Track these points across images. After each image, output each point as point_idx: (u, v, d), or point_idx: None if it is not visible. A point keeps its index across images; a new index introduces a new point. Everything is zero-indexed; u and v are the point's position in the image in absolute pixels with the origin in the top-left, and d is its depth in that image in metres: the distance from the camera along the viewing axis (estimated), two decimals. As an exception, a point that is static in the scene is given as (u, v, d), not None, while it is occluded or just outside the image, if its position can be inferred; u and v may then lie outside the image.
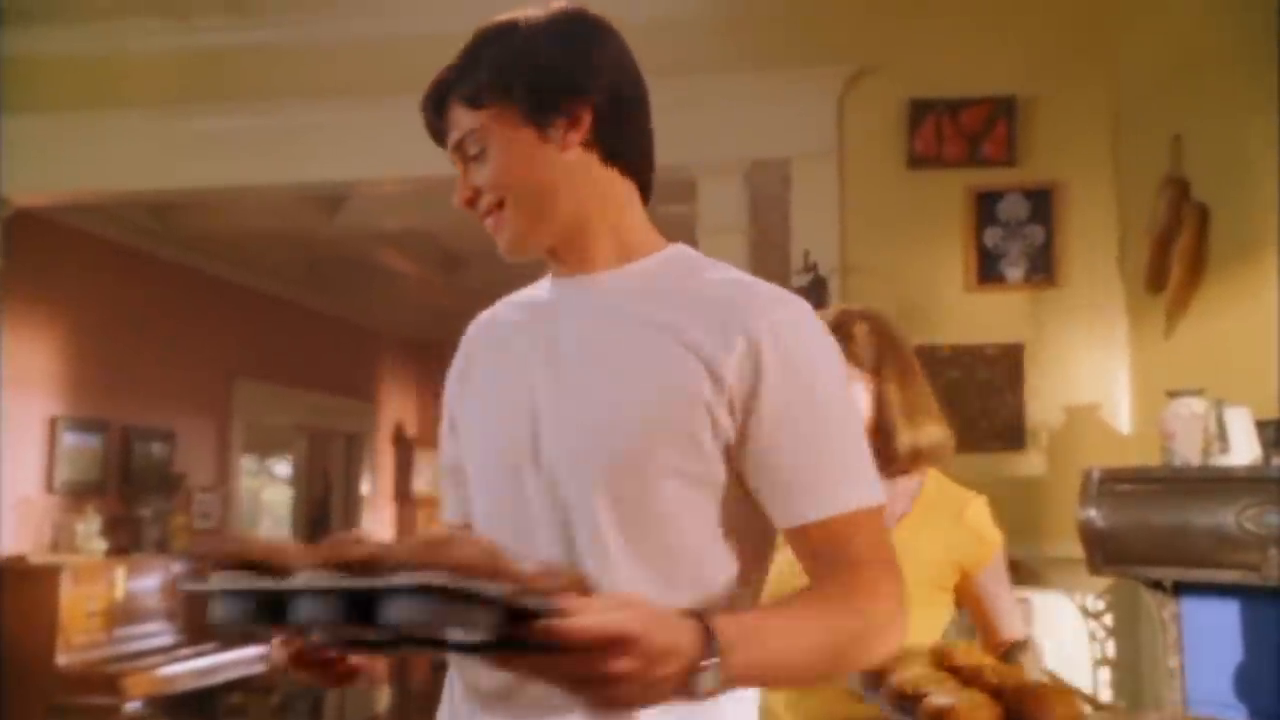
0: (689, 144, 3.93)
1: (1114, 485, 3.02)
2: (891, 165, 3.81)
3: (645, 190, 1.44)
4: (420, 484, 9.42)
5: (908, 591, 1.28)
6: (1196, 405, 3.02)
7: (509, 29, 1.41)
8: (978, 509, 2.19)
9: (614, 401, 1.33)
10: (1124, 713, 3.19)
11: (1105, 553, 2.97)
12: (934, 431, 2.17)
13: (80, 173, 4.37)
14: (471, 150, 1.39)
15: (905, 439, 2.11)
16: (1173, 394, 3.05)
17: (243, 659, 6.63)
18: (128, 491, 6.46)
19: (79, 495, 6.12)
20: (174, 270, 6.95)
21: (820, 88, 3.87)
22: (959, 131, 3.71)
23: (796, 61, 3.91)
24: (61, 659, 5.59)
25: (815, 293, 3.64)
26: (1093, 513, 3.00)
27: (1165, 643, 3.13)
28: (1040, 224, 3.67)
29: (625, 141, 1.40)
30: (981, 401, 3.67)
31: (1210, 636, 3.07)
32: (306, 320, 8.35)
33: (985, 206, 3.70)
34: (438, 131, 1.45)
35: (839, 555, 1.27)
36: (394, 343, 9.61)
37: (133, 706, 5.77)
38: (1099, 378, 3.60)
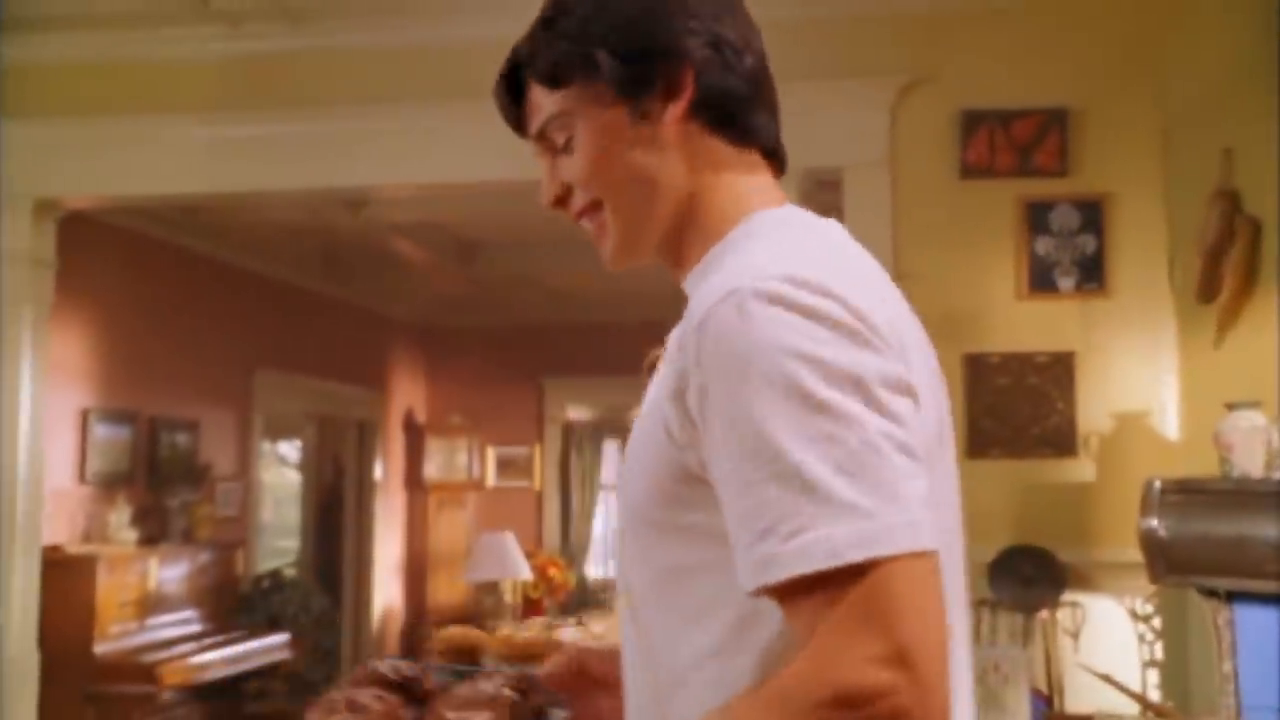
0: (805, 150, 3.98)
1: (1175, 496, 3.11)
2: (944, 175, 3.88)
3: (774, 155, 1.23)
4: (431, 470, 9.48)
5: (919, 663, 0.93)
6: (1256, 418, 3.11)
7: None
8: None
9: (630, 445, 1.18)
10: (1177, 714, 3.29)
11: (1168, 562, 3.05)
12: None
13: (128, 177, 4.40)
14: (557, 139, 1.19)
15: None
16: (1231, 406, 3.13)
17: (268, 646, 6.71)
18: (155, 482, 6.50)
19: (110, 486, 6.17)
20: (196, 261, 6.98)
21: (874, 98, 3.94)
22: (1011, 142, 3.78)
23: (850, 72, 3.97)
24: (97, 648, 5.65)
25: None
26: (1154, 523, 3.08)
27: (1219, 649, 3.22)
28: (1091, 234, 3.75)
29: (741, 100, 1.18)
30: (1032, 408, 3.75)
31: (1262, 644, 3.16)
32: (322, 310, 8.39)
33: (1037, 216, 3.78)
34: (515, 119, 1.24)
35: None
36: (404, 330, 9.66)
37: (169, 695, 5.86)
38: (1148, 386, 3.69)
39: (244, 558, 7.13)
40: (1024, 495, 3.73)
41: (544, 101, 1.19)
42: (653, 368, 1.39)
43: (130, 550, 5.96)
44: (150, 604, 6.09)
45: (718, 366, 0.99)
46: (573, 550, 9.66)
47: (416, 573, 9.44)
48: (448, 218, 7.14)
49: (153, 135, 4.34)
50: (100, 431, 6.17)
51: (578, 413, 10.00)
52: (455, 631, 1.54)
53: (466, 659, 1.76)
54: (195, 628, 6.42)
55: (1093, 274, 3.75)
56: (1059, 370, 3.75)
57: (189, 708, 6.34)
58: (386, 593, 9.15)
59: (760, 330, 0.98)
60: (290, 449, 10.05)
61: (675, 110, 1.15)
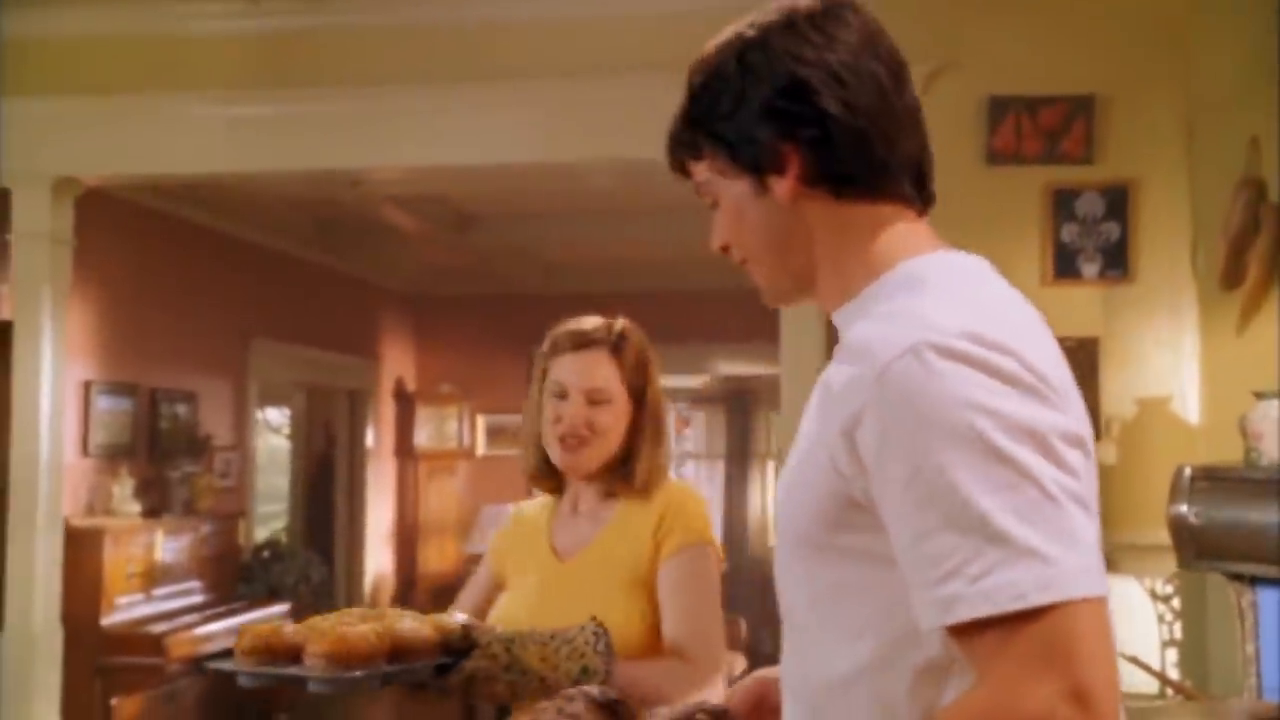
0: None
1: (1204, 483, 3.18)
2: (970, 161, 3.92)
3: (918, 199, 1.29)
4: (421, 438, 9.49)
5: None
6: (1287, 408, 3.18)
7: (712, 71, 1.27)
8: None
9: (783, 470, 1.30)
10: (1198, 694, 3.38)
11: (1198, 547, 3.13)
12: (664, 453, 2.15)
13: (148, 156, 4.39)
14: (707, 199, 1.31)
15: (645, 464, 2.09)
16: (1260, 395, 3.20)
17: (270, 616, 6.72)
18: (156, 454, 6.49)
19: (112, 458, 6.16)
20: (191, 231, 6.94)
21: (901, 84, 3.95)
22: (1037, 129, 3.82)
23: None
24: (105, 620, 5.66)
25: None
26: (1184, 509, 3.15)
27: (1243, 631, 3.31)
28: (1116, 221, 3.80)
29: (853, 168, 1.23)
30: (1057, 393, 3.80)
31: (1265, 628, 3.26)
32: (316, 279, 8.37)
33: (1062, 203, 3.83)
34: (681, 174, 1.36)
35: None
36: (395, 299, 9.64)
37: (174, 667, 5.88)
38: (1170, 372, 3.76)
39: (245, 528, 7.14)
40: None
41: (692, 168, 1.31)
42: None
43: (136, 523, 5.96)
44: (155, 576, 6.11)
45: (900, 417, 1.07)
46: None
47: (407, 541, 9.47)
48: (448, 190, 7.13)
49: (172, 113, 4.33)
50: (102, 404, 6.14)
51: (568, 381, 10.01)
52: (264, 629, 1.61)
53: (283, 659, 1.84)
54: (198, 599, 6.44)
55: (1117, 261, 3.81)
56: (1082, 356, 3.81)
57: (190, 680, 6.37)
58: (378, 561, 9.18)
59: (944, 385, 1.05)
60: (278, 417, 10.05)
61: (785, 186, 1.23)
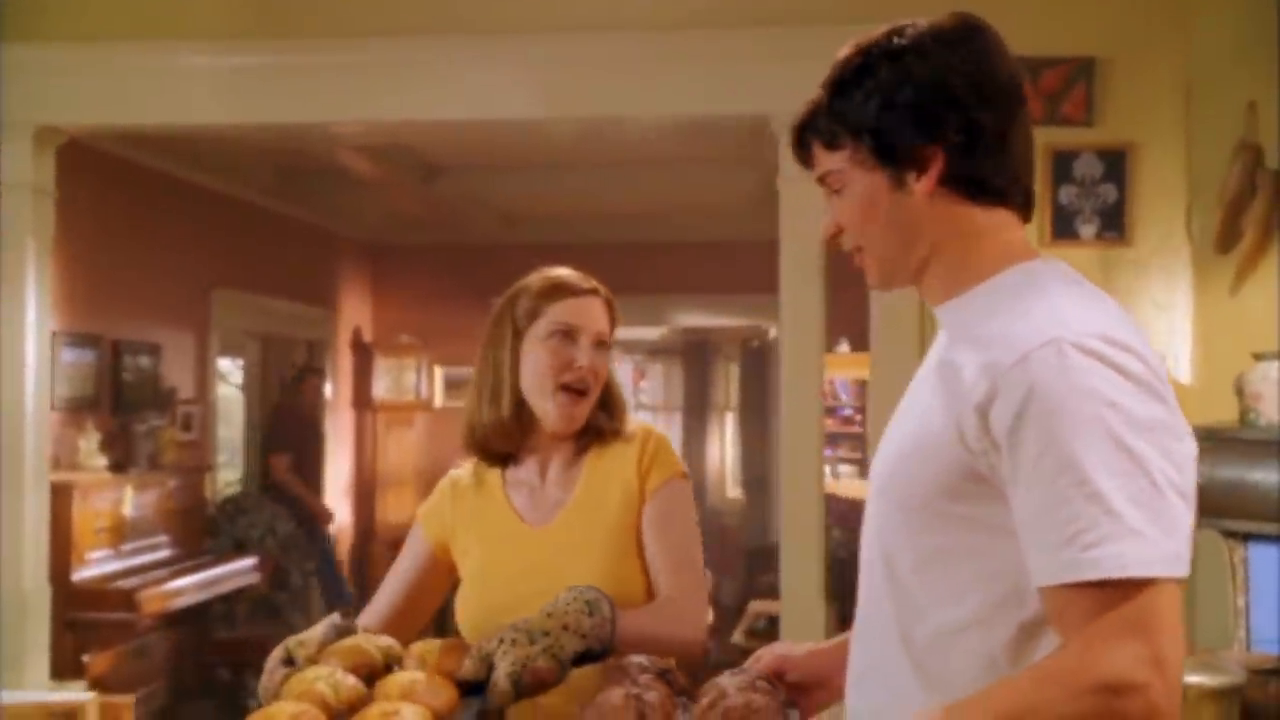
0: (770, 94, 4.01)
1: (1204, 444, 3.25)
2: (970, 122, 3.93)
3: (1025, 208, 1.42)
4: (379, 390, 9.42)
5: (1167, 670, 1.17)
6: (1291, 370, 3.26)
7: (862, 69, 1.39)
8: None
9: (891, 440, 1.43)
10: (1201, 650, 3.48)
11: (1200, 507, 3.21)
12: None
13: (133, 106, 4.28)
14: (833, 186, 1.42)
15: (622, 410, 2.08)
16: (1259, 356, 3.28)
17: (237, 570, 6.69)
18: (120, 406, 6.38)
19: (77, 411, 6.04)
20: (151, 177, 6.78)
21: (902, 44, 3.96)
22: (1038, 92, 3.84)
23: (878, 18, 3.98)
24: (75, 575, 5.58)
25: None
26: (1187, 468, 3.23)
27: (1235, 585, 3.42)
28: (1114, 183, 3.85)
29: (986, 174, 1.37)
30: (1053, 353, 3.87)
31: (1272, 581, 3.36)
32: (276, 228, 8.24)
33: (1061, 165, 3.87)
34: (803, 161, 1.48)
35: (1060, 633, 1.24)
36: (353, 248, 9.52)
37: (147, 622, 5.82)
38: (1164, 332, 3.83)
39: (210, 482, 7.06)
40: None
41: (823, 157, 1.42)
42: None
43: (105, 477, 5.87)
44: (124, 531, 6.02)
45: (1036, 400, 1.22)
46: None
47: (365, 493, 9.43)
48: (416, 140, 7.03)
49: (158, 64, 4.23)
50: (66, 356, 6.01)
51: (526, 333, 9.98)
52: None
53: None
54: (166, 553, 6.36)
55: (1113, 223, 3.87)
56: (1079, 317, 3.87)
57: (159, 634, 6.32)
58: (337, 513, 9.11)
59: (1078, 378, 1.21)
60: (229, 367, 9.90)
61: (925, 184, 1.36)
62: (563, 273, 2.07)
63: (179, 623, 6.33)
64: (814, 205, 4.04)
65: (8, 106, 4.05)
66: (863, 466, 7.98)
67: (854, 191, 1.39)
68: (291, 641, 1.80)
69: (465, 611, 1.99)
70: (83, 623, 5.57)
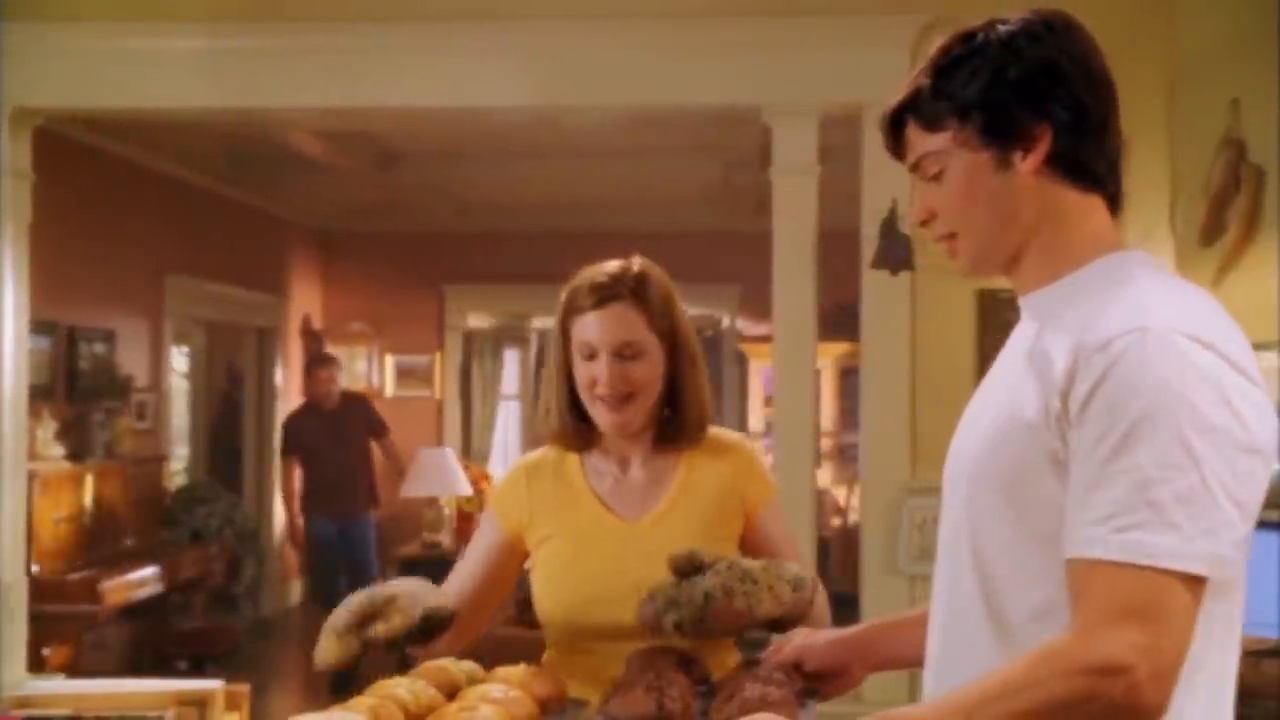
0: (764, 85, 4.03)
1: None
2: (961, 115, 3.99)
3: (1114, 199, 1.43)
4: (330, 378, 9.30)
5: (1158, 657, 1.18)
6: (1271, 359, 3.35)
7: (968, 49, 1.40)
8: None
9: (976, 427, 1.43)
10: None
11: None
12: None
13: (113, 88, 4.22)
14: (930, 170, 1.41)
15: (693, 407, 2.02)
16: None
17: (196, 560, 6.59)
18: (76, 394, 6.25)
19: (33, 399, 5.88)
20: (106, 161, 6.65)
21: (894, 37, 4.01)
22: (1026, 86, 3.91)
23: (872, 9, 4.04)
24: (35, 567, 5.47)
25: (897, 247, 3.84)
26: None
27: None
28: (1100, 178, 3.92)
29: (1087, 158, 1.38)
30: (1040, 343, 3.95)
31: (1265, 566, 3.46)
32: (228, 213, 8.12)
33: (1048, 159, 3.93)
34: (893, 148, 1.48)
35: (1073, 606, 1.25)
36: (303, 234, 9.41)
37: (105, 614, 5.72)
38: (1148, 324, 3.91)
39: (168, 471, 6.95)
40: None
41: (921, 140, 1.42)
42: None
43: (65, 467, 5.76)
44: (83, 521, 5.91)
45: (1111, 382, 1.24)
46: (473, 460, 9.66)
47: (316, 482, 9.31)
48: (376, 126, 6.96)
49: (132, 46, 4.17)
50: (23, 343, 5.87)
51: (479, 321, 9.94)
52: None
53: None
54: (125, 544, 6.26)
55: (1100, 216, 3.94)
56: (1066, 308, 3.94)
57: (118, 626, 6.22)
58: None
59: (1154, 367, 1.22)
60: (176, 355, 9.74)
61: (1031, 164, 1.36)
62: (587, 281, 1.99)
63: (136, 614, 6.23)
64: (807, 198, 4.13)
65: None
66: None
67: (954, 173, 1.39)
68: (376, 598, 1.75)
69: (553, 603, 1.96)
70: (43, 615, 5.45)
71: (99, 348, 6.53)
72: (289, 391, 9.04)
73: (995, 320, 4.01)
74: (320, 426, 7.03)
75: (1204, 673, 1.29)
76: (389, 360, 9.53)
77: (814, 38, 4.06)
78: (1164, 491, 1.19)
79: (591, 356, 1.94)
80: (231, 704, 1.25)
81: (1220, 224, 3.74)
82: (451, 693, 1.65)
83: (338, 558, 6.96)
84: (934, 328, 4.06)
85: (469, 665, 1.74)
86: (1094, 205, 1.40)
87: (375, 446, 7.21)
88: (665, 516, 1.98)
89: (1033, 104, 1.35)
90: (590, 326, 1.95)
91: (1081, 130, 1.37)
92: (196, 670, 6.41)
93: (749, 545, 2.00)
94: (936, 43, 1.46)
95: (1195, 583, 1.19)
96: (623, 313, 1.95)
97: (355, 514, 7.00)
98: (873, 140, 4.03)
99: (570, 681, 1.81)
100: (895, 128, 1.46)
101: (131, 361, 6.85)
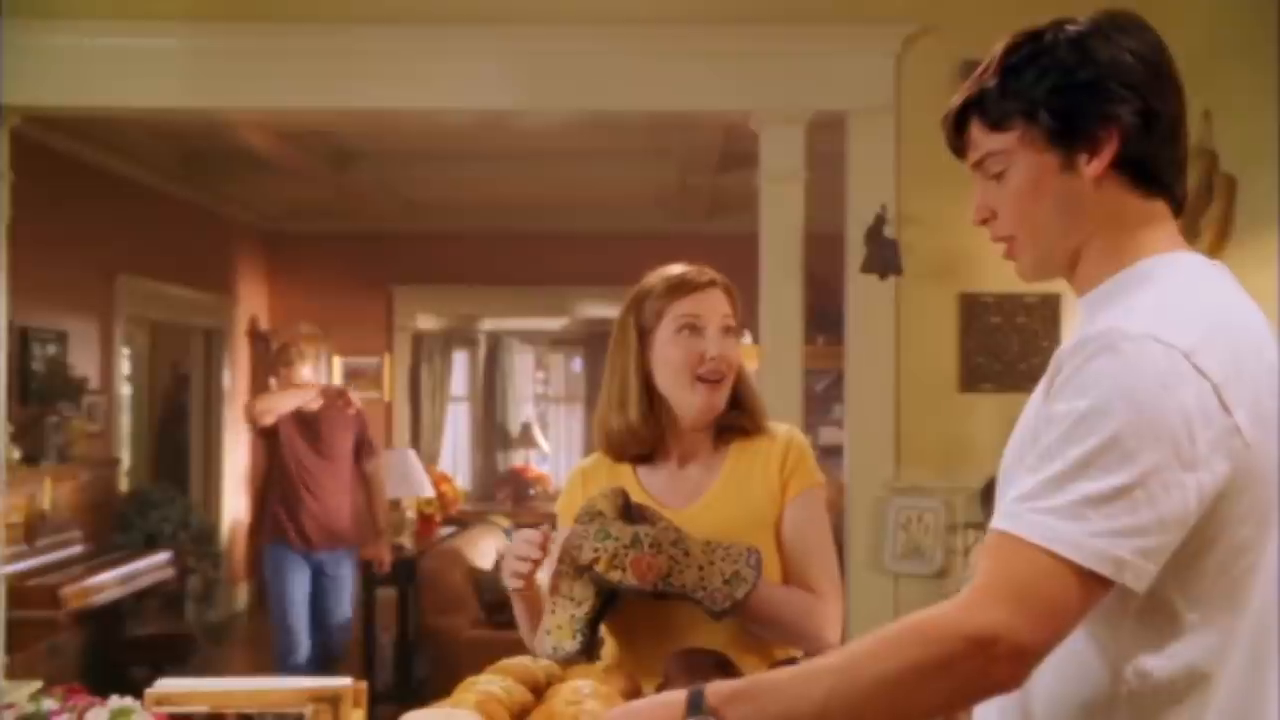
0: (753, 92, 4.08)
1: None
2: (944, 123, 4.07)
3: (1178, 201, 1.41)
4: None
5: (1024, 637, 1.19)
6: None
7: (1037, 48, 1.38)
8: None
9: (1017, 425, 1.42)
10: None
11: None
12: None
13: (93, 87, 4.16)
14: (992, 170, 1.39)
15: (756, 400, 2.15)
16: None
17: (152, 565, 6.48)
18: (29, 396, 6.13)
19: (-13, 401, 5.77)
20: (57, 160, 6.52)
21: (880, 46, 4.08)
22: (1006, 96, 4.00)
23: (859, 18, 4.11)
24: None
25: (885, 251, 3.91)
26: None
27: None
28: (1077, 186, 4.03)
29: (1154, 163, 1.36)
30: (1021, 346, 4.06)
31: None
32: (178, 212, 8.00)
33: (1028, 167, 4.03)
34: (956, 147, 1.45)
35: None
36: (250, 234, 9.29)
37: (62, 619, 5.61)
38: (1123, 327, 4.02)
39: (121, 474, 6.83)
40: (1012, 427, 4.02)
41: (985, 139, 1.39)
42: None
43: (23, 470, 5.64)
44: (37, 525, 5.79)
45: (1076, 381, 1.24)
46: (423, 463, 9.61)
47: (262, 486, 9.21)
48: (333, 127, 6.90)
49: (99, 46, 4.11)
50: (-28, 343, 5.74)
51: (428, 322, 9.89)
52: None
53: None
54: (79, 549, 6.14)
55: (1077, 223, 4.04)
56: (1046, 311, 4.06)
57: (72, 632, 6.10)
58: (234, 505, 8.92)
59: (1116, 371, 1.21)
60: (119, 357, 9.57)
61: (1097, 166, 1.34)
62: (681, 269, 2.09)
63: (90, 620, 6.12)
64: (793, 202, 4.18)
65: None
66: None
67: (1018, 173, 1.37)
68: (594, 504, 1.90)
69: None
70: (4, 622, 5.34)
71: (51, 349, 6.41)
72: (236, 393, 8.92)
73: (978, 323, 4.10)
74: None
75: (1216, 693, 1.26)
76: (337, 362, 9.45)
77: (801, 45, 4.11)
78: (1086, 486, 1.19)
79: (697, 331, 2.02)
80: (358, 702, 1.26)
81: (1194, 231, 3.86)
82: (534, 690, 1.67)
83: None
84: (917, 330, 4.13)
85: (545, 664, 1.76)
86: (1156, 209, 1.38)
87: None
88: (712, 503, 2.06)
89: (1101, 107, 1.34)
90: (699, 303, 2.04)
91: (1149, 135, 1.35)
92: (154, 676, 6.31)
93: (776, 532, 2.06)
94: (1003, 41, 1.44)
95: (1091, 579, 1.19)
96: (720, 296, 2.07)
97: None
98: (858, 145, 4.12)
99: (640, 675, 1.85)
100: (958, 125, 1.43)
101: (82, 363, 6.73)
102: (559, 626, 1.81)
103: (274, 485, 5.72)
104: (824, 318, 5.76)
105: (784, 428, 2.14)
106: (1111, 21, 1.38)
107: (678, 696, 1.25)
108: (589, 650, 1.85)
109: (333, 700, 1.22)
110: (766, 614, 1.94)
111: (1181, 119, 1.39)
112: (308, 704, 1.20)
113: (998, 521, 1.24)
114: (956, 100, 1.44)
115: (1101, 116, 1.34)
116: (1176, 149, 1.39)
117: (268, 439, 5.76)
